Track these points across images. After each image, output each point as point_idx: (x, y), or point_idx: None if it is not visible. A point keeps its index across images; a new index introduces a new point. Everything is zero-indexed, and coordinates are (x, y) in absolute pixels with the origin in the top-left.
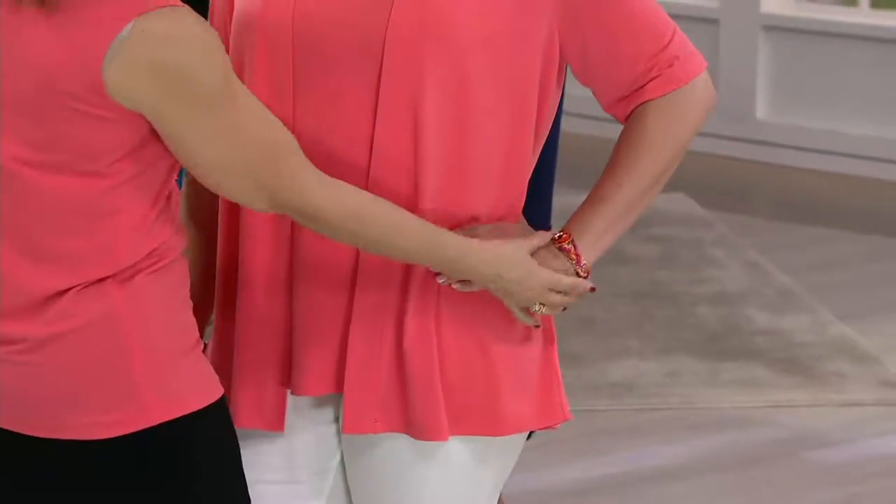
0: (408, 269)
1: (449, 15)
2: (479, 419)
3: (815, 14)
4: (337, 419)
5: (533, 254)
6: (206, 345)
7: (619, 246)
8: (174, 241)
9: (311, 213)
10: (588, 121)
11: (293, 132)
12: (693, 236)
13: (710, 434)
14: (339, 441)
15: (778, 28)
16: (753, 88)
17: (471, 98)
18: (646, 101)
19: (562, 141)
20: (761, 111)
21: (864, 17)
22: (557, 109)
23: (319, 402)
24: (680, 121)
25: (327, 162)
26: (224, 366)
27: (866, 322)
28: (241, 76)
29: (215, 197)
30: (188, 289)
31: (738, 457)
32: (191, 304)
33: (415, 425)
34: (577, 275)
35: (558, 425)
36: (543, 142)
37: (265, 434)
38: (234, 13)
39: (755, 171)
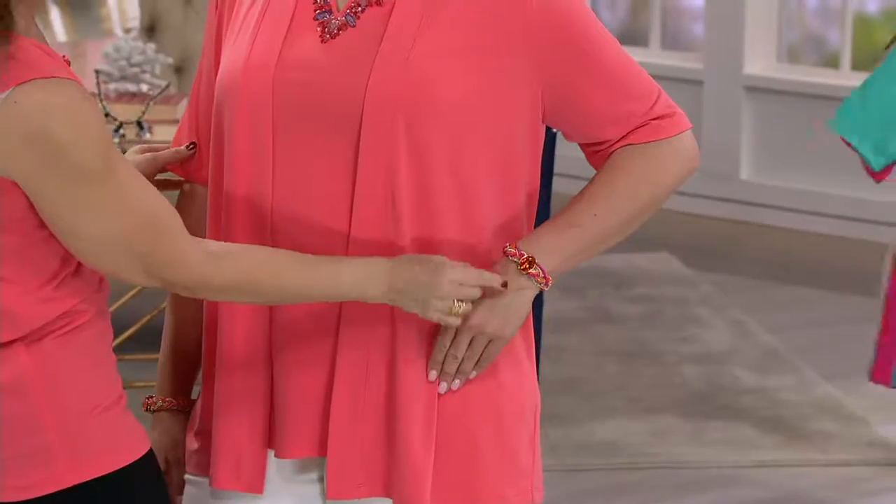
0: (393, 332)
1: (429, 79)
2: (459, 493)
3: (798, 76)
4: (321, 479)
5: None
6: (194, 401)
7: (604, 305)
8: (87, 304)
9: (190, 287)
10: (581, 182)
11: (272, 194)
12: (678, 296)
13: (696, 493)
14: (324, 502)
15: (761, 89)
16: (737, 149)
17: (450, 160)
18: (629, 144)
19: (554, 202)
20: (745, 171)
21: (846, 78)
22: (549, 171)
23: (303, 463)
24: (661, 167)
25: (306, 225)
26: (208, 425)
27: (851, 382)
28: (221, 138)
29: None
30: (108, 345)
31: None
32: (112, 359)
33: (398, 491)
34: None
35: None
36: (536, 205)
37: (246, 495)
38: (218, 77)
39: (739, 230)
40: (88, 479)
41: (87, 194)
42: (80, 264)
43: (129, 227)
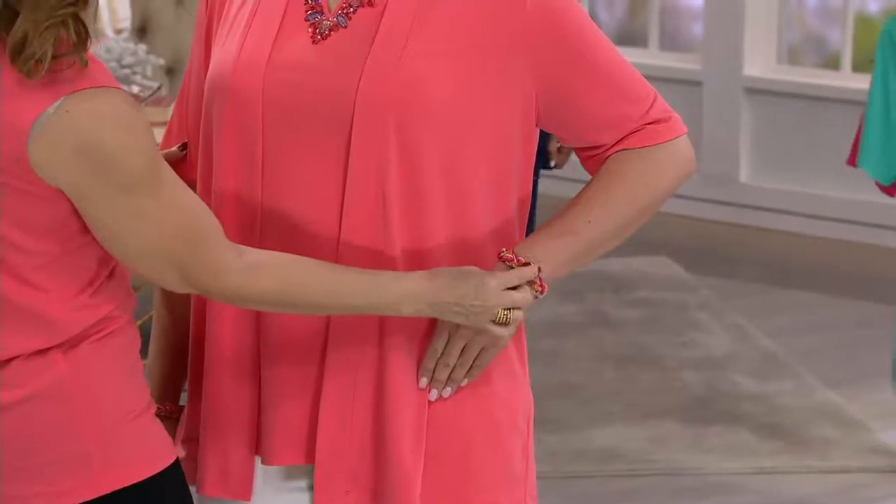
0: (382, 336)
1: (420, 79)
2: (451, 501)
3: (798, 77)
4: (310, 487)
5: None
6: (182, 407)
7: (603, 309)
8: (120, 311)
9: (227, 296)
10: (571, 183)
11: (261, 195)
12: (677, 300)
13: (695, 500)
14: None
15: (760, 91)
16: (736, 151)
17: (442, 161)
18: (624, 149)
19: (551, 203)
20: (744, 174)
21: (846, 80)
22: (534, 174)
23: (291, 471)
24: (657, 171)
25: (296, 226)
26: (196, 432)
27: (852, 388)
28: (210, 139)
29: None
30: (138, 351)
31: None
32: (141, 365)
33: (386, 498)
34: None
35: None
36: (527, 210)
37: (234, 503)
38: (207, 76)
39: (738, 234)
40: (123, 486)
41: (132, 202)
42: (114, 268)
43: (172, 235)
